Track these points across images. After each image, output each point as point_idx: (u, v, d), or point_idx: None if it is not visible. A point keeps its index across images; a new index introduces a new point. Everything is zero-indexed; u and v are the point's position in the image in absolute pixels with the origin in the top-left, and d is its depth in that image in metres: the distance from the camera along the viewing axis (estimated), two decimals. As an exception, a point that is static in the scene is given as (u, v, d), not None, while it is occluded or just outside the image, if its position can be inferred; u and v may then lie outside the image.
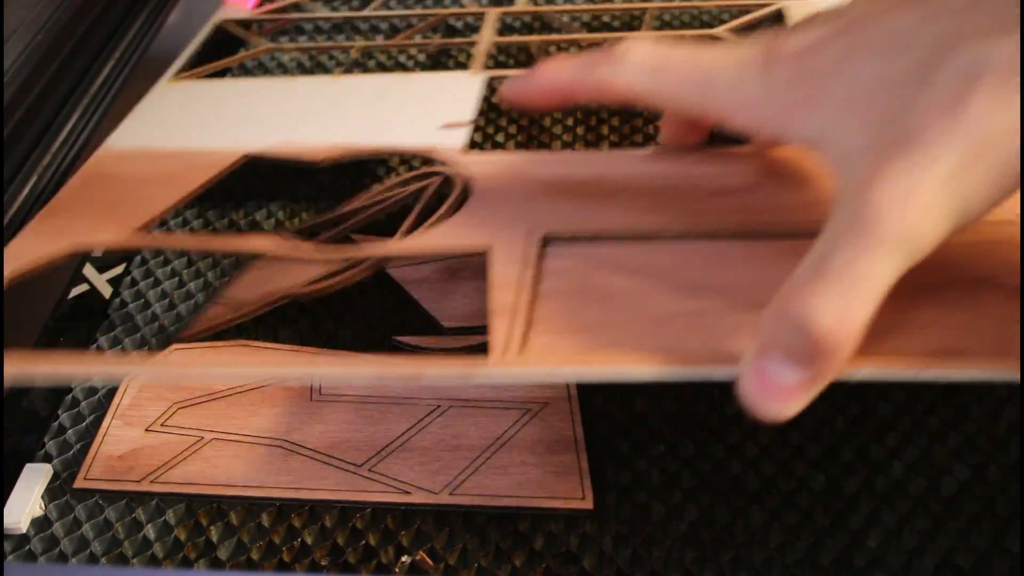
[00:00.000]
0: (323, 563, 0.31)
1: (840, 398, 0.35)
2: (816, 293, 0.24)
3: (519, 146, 0.48)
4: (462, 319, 0.38)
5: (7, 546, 0.32)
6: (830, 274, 0.24)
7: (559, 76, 0.35)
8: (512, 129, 0.49)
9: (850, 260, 0.24)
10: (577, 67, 0.34)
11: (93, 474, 0.33)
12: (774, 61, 0.28)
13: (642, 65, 0.32)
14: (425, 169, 0.42)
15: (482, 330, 0.37)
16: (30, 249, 0.34)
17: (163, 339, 0.39)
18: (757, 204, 0.33)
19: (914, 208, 0.23)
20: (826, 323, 0.23)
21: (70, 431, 0.35)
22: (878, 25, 0.27)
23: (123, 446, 0.34)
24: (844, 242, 0.24)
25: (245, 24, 0.55)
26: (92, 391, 0.37)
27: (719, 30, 0.52)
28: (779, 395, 0.24)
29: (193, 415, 0.35)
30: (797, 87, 0.28)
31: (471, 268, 0.40)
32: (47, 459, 0.34)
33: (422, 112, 0.42)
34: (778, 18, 0.51)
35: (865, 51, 0.27)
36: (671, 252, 0.31)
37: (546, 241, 0.32)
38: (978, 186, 0.24)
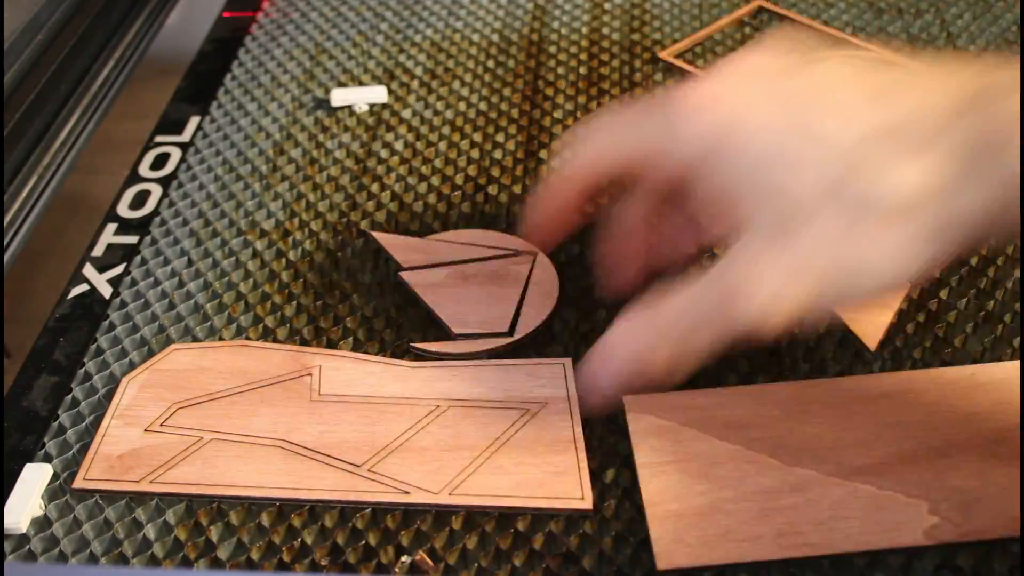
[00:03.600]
0: (323, 563, 0.31)
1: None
2: None
3: (519, 146, 0.48)
4: (473, 325, 0.38)
5: (7, 546, 0.32)
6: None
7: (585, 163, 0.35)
8: (512, 129, 0.49)
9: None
10: (617, 136, 0.33)
11: (93, 474, 0.33)
12: None
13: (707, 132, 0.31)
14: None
15: (491, 336, 0.37)
16: None
17: (163, 339, 0.39)
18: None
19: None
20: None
21: (70, 431, 0.35)
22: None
23: (123, 446, 0.34)
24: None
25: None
26: (92, 391, 0.37)
27: None
28: None
29: (193, 415, 0.35)
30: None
31: (484, 274, 0.40)
32: (47, 459, 0.34)
33: None
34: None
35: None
36: None
37: None
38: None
